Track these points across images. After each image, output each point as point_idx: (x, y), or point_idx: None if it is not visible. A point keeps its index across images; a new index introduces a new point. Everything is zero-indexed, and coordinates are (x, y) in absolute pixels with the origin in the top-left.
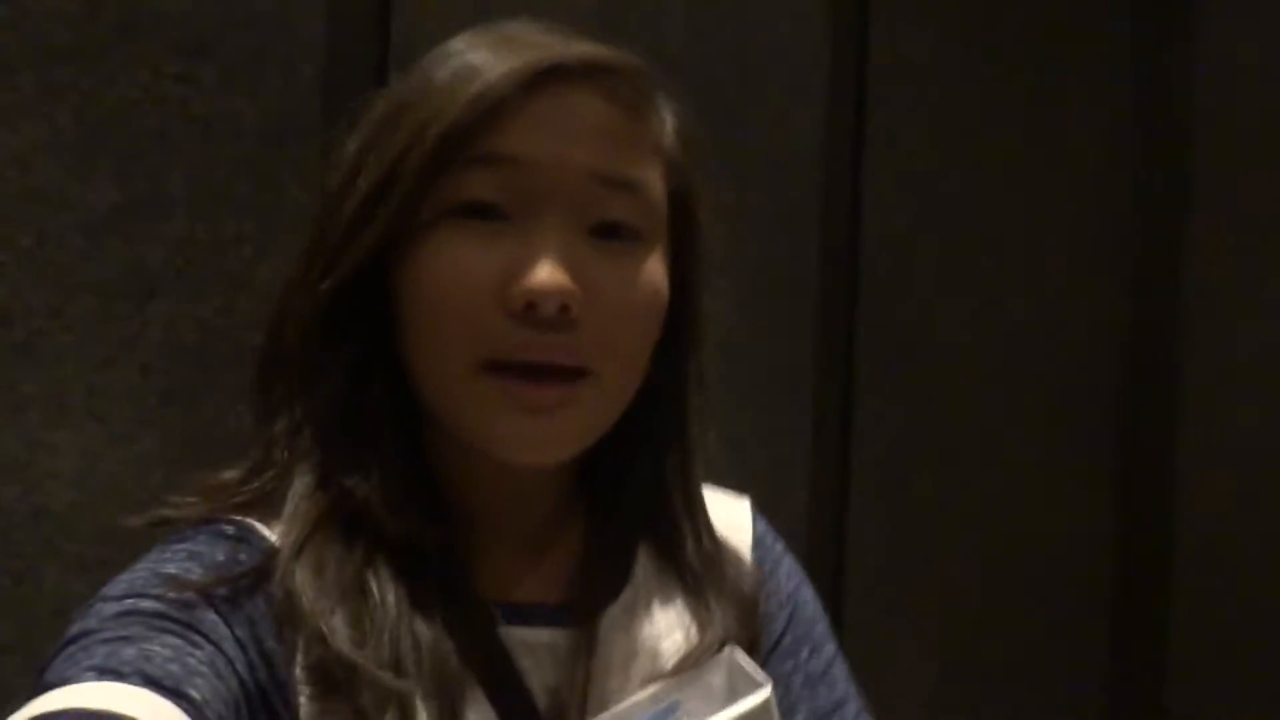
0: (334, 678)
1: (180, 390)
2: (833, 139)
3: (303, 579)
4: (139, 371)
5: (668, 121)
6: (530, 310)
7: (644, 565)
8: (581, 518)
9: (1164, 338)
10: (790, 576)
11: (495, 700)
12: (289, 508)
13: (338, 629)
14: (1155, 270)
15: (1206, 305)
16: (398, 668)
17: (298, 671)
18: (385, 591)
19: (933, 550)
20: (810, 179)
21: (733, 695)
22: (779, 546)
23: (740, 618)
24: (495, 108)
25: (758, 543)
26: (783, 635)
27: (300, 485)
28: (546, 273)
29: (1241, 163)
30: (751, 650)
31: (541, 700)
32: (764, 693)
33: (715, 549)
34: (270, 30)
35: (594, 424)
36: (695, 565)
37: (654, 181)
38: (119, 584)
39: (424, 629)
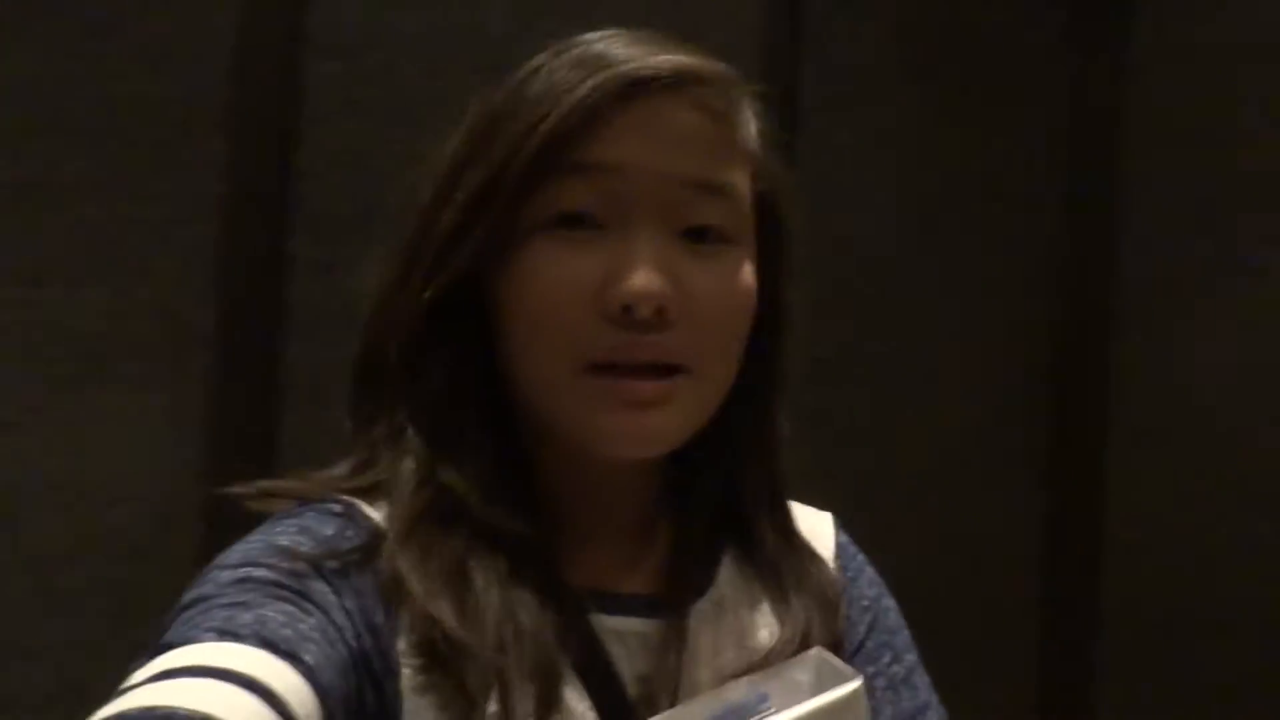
0: (440, 655)
1: (71, 378)
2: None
3: (410, 563)
4: (26, 358)
5: (752, 125)
6: (627, 314)
7: (729, 563)
8: (670, 515)
9: (1097, 328)
10: (872, 585)
11: (589, 685)
12: (396, 497)
13: (444, 611)
14: (1087, 265)
15: (1140, 300)
16: (500, 650)
17: (401, 644)
18: (487, 579)
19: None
20: None
21: (820, 689)
22: (861, 557)
23: (823, 618)
24: (590, 118)
25: (840, 551)
26: (865, 640)
27: (405, 479)
28: (642, 277)
29: (1168, 164)
30: (834, 653)
31: (632, 688)
32: (855, 683)
33: (799, 550)
34: (182, 13)
35: (689, 420)
36: (779, 564)
37: (742, 185)
38: (234, 553)
39: (523, 615)
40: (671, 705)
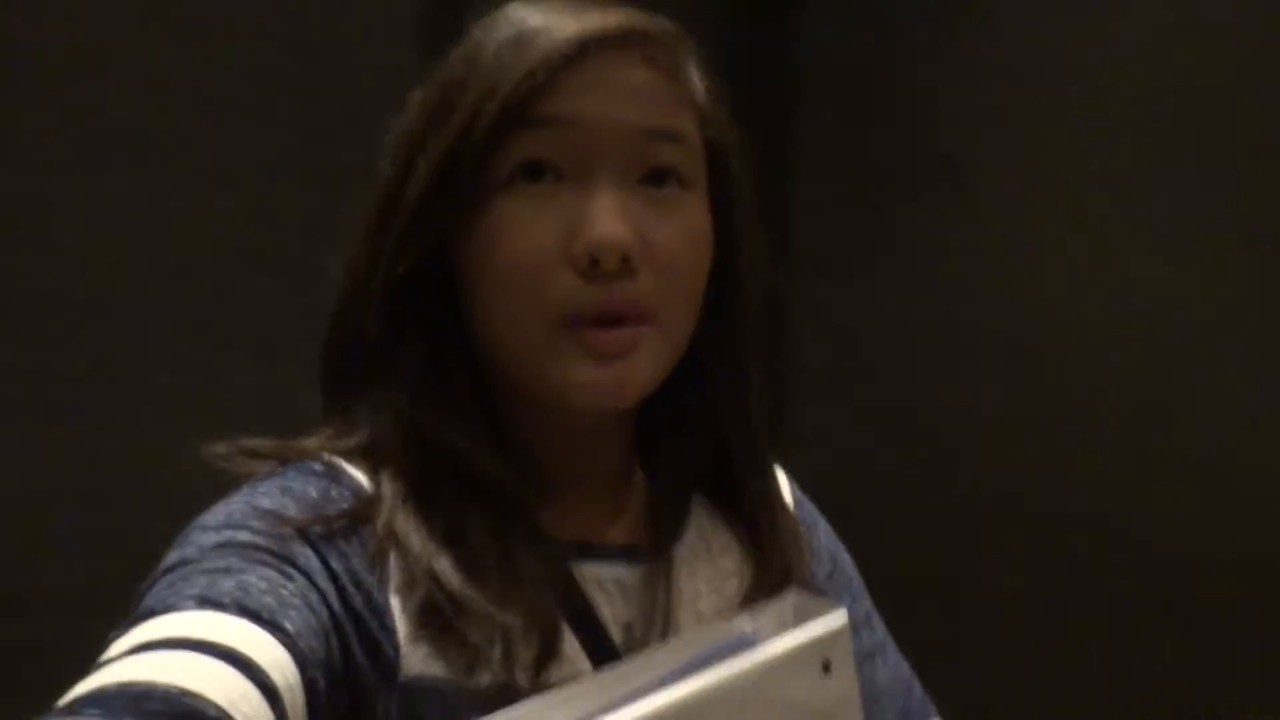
0: (443, 612)
1: None
2: None
3: (410, 523)
4: None
5: (698, 79)
6: (594, 265)
7: (702, 511)
8: (643, 466)
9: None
10: (829, 534)
11: (578, 632)
12: (386, 465)
13: (446, 569)
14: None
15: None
16: (502, 603)
17: (394, 601)
18: (482, 535)
19: None
20: None
21: (802, 624)
22: (815, 509)
23: (796, 562)
24: (547, 76)
25: (798, 504)
26: (826, 586)
27: (393, 442)
28: (607, 225)
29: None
30: None
31: (616, 633)
32: (842, 611)
33: (775, 497)
34: None
35: (656, 369)
36: (756, 510)
37: (693, 134)
38: (215, 514)
39: (522, 568)
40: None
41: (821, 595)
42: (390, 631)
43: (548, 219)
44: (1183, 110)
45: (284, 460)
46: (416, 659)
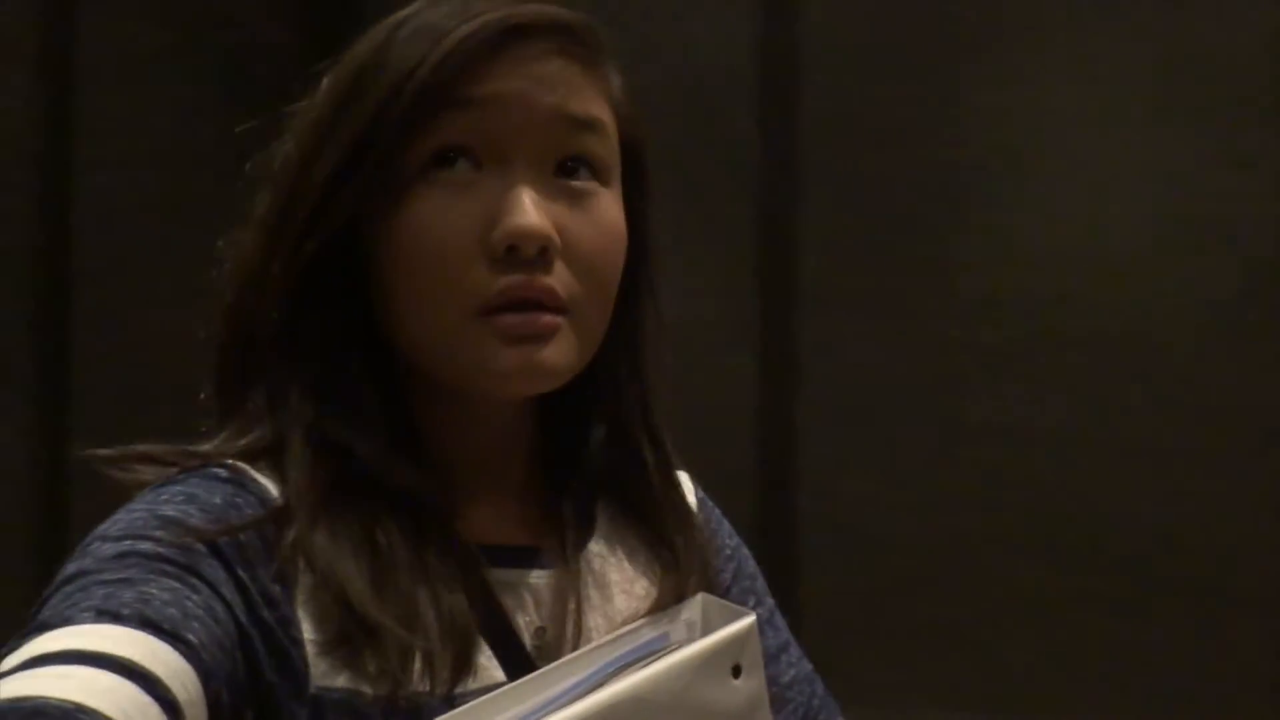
0: (356, 630)
1: None
2: None
3: (319, 536)
4: None
5: (615, 76)
6: (512, 253)
7: (606, 513)
8: (548, 468)
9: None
10: (731, 535)
11: (491, 640)
12: (292, 465)
13: (361, 590)
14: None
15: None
16: (417, 622)
17: (302, 614)
18: (394, 546)
19: None
20: None
21: (710, 629)
22: (717, 511)
23: (700, 564)
24: (469, 59)
25: (701, 505)
26: (731, 586)
27: (299, 446)
28: (526, 215)
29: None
30: None
31: (528, 639)
32: (751, 617)
33: (679, 499)
34: None
35: (574, 358)
36: (663, 513)
37: (610, 126)
38: (116, 524)
39: (435, 580)
40: (567, 653)
41: (727, 599)
42: (298, 643)
43: (466, 208)
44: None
45: (183, 466)
46: (327, 671)
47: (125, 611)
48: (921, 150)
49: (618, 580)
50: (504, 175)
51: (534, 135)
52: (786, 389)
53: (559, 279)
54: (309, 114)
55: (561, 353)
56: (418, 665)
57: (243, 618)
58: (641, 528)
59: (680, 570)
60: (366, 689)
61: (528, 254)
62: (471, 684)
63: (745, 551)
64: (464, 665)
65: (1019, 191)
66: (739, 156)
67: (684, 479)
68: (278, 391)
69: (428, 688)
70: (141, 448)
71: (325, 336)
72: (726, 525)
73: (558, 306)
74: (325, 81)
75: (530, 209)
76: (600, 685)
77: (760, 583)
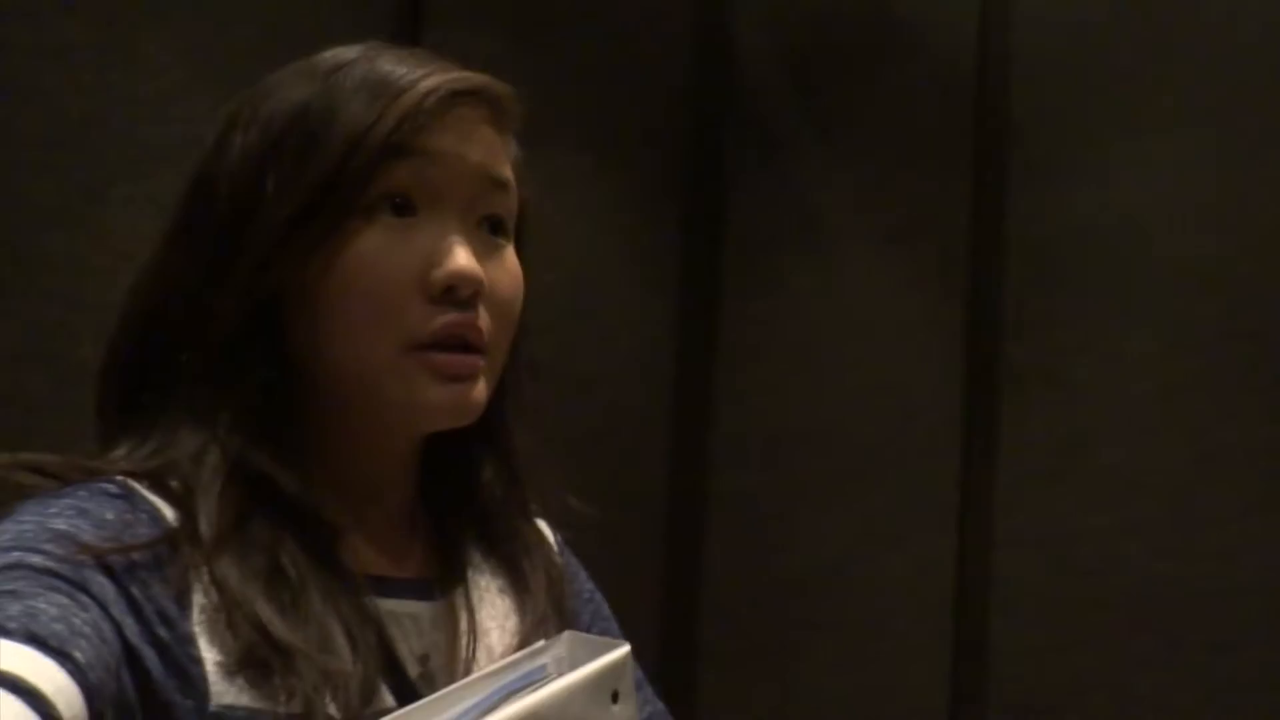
0: (263, 657)
1: None
2: None
3: (229, 566)
4: None
5: (514, 140)
6: (448, 294)
7: (478, 550)
8: (427, 504)
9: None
10: (588, 581)
11: (383, 670)
12: (204, 496)
13: (272, 616)
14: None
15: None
16: (330, 646)
17: (198, 628)
18: (300, 573)
19: None
20: None
21: (577, 663)
22: (574, 557)
23: (556, 606)
24: (428, 115)
25: (560, 549)
26: (590, 627)
27: (212, 472)
28: (464, 259)
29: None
30: None
31: (412, 667)
32: (625, 647)
33: (540, 542)
34: None
35: (485, 398)
36: (526, 554)
37: (513, 183)
38: (4, 535)
39: (341, 609)
40: (449, 682)
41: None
42: (198, 661)
43: (405, 249)
44: None
45: (68, 479)
46: (229, 690)
47: (11, 625)
48: None
49: (491, 614)
50: (440, 222)
51: (465, 188)
52: None
53: (482, 321)
54: (242, 146)
55: (481, 391)
56: (324, 693)
57: (133, 637)
58: (509, 566)
59: (539, 608)
60: (275, 709)
61: (463, 295)
62: (367, 710)
63: (600, 596)
64: (371, 690)
65: None
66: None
67: (544, 526)
68: (188, 415)
69: (337, 711)
70: (26, 456)
71: (248, 367)
72: (583, 571)
73: (480, 347)
74: (248, 116)
75: (468, 255)
76: (494, 708)
77: (615, 626)
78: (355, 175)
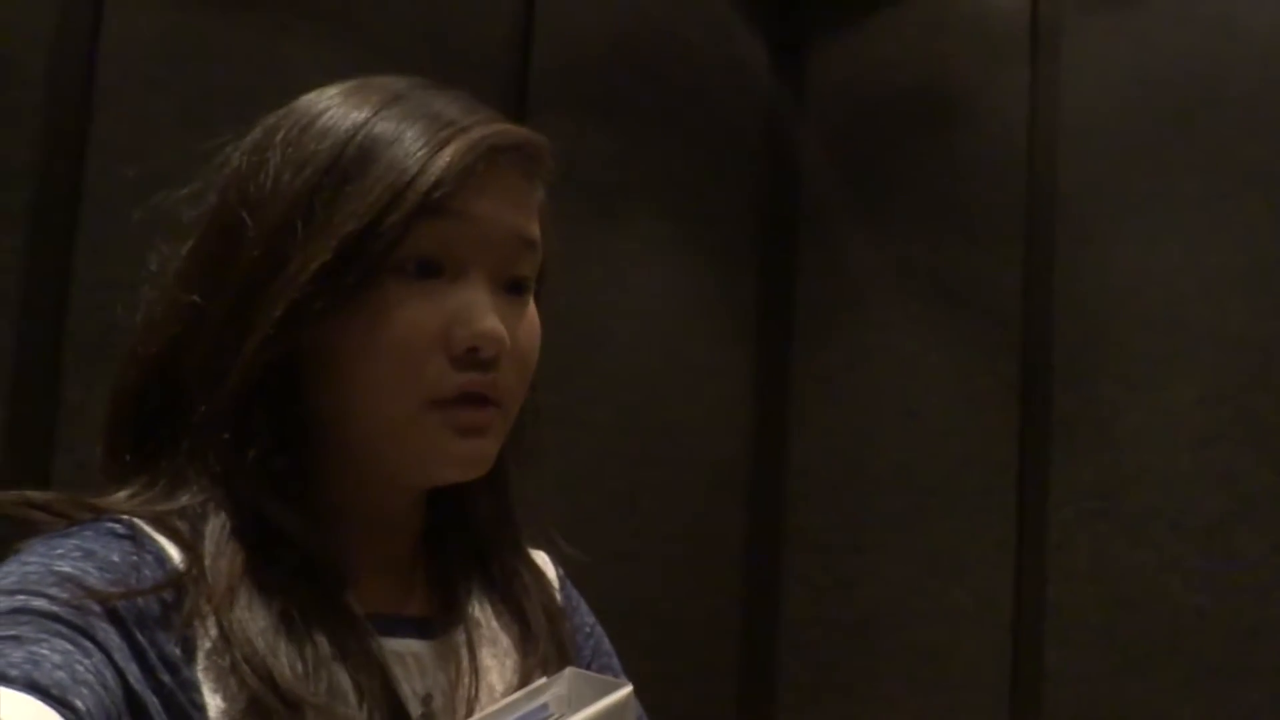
0: (275, 711)
1: None
2: None
3: (236, 617)
4: None
5: (542, 186)
6: (471, 353)
7: (478, 590)
8: (428, 544)
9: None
10: (588, 614)
11: (387, 714)
12: (211, 544)
13: (281, 668)
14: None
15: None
16: (342, 700)
17: (202, 675)
18: (309, 622)
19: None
20: None
21: (584, 702)
22: (575, 591)
23: (557, 644)
24: (463, 174)
25: (561, 583)
26: (590, 663)
27: (221, 520)
28: (491, 321)
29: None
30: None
31: (414, 707)
32: (628, 687)
33: (539, 580)
34: None
35: (499, 447)
36: (525, 593)
37: (539, 239)
38: (8, 576)
39: (350, 654)
40: None
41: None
42: (200, 708)
43: (430, 308)
44: None
45: (74, 519)
46: None
47: (13, 673)
48: None
49: (492, 652)
50: (466, 281)
51: (497, 251)
52: None
53: (502, 378)
54: (270, 184)
55: (495, 443)
56: None
57: (136, 684)
58: (508, 603)
59: (540, 645)
60: None
61: (487, 355)
62: None
63: (601, 630)
64: None
65: None
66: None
67: (545, 560)
68: (204, 464)
69: None
70: (32, 494)
71: (266, 418)
72: (584, 604)
73: (497, 401)
74: (280, 147)
75: (494, 316)
76: None
77: (615, 661)
78: (388, 234)
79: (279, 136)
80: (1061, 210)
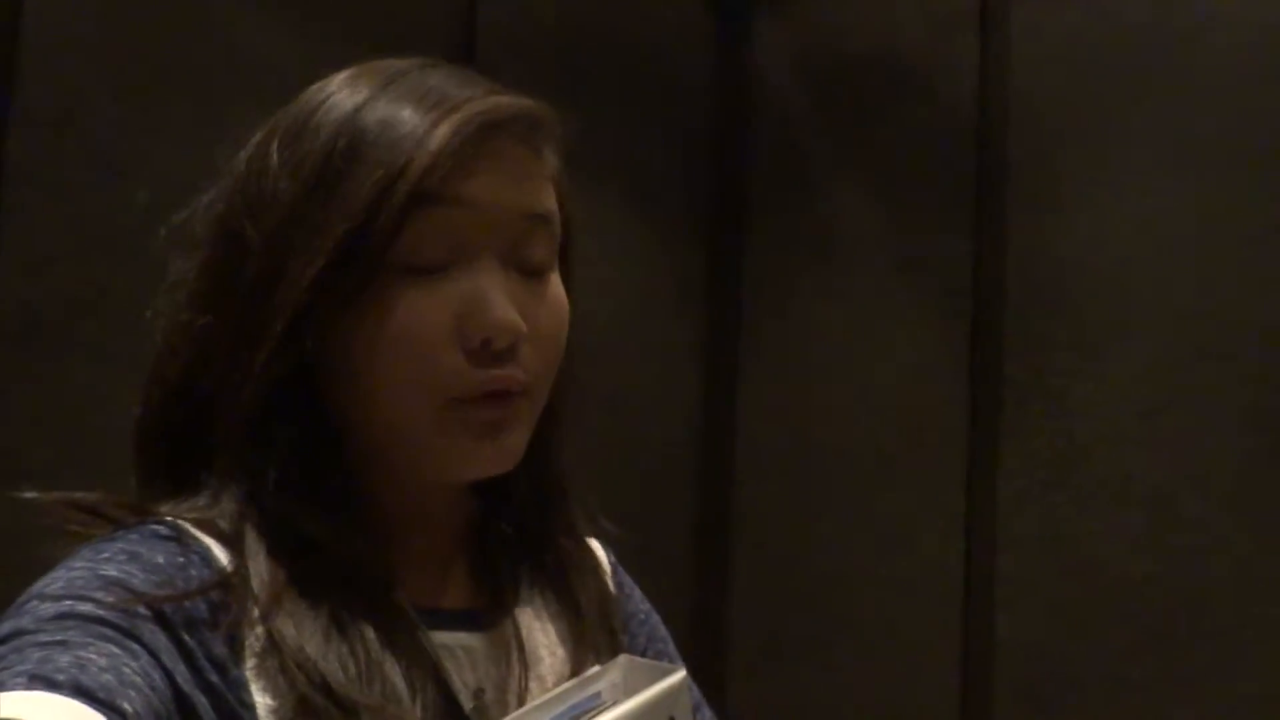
0: (327, 712)
1: None
2: None
3: (285, 623)
4: None
5: (554, 152)
6: (485, 346)
7: (528, 578)
8: (476, 534)
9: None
10: (643, 600)
11: (440, 708)
12: (253, 559)
13: (335, 671)
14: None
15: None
16: (397, 702)
17: (250, 673)
18: (358, 621)
19: None
20: None
21: (637, 689)
22: (628, 577)
23: (609, 632)
24: (455, 161)
25: (614, 570)
26: (645, 649)
27: (258, 530)
28: (501, 311)
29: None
30: None
31: (466, 700)
32: (681, 672)
33: (591, 566)
34: None
35: (528, 436)
36: (575, 580)
37: (556, 211)
38: (55, 582)
39: (400, 650)
40: (504, 714)
41: (650, 658)
42: (249, 707)
43: (438, 303)
44: None
45: (121, 523)
46: None
47: (60, 678)
48: None
49: (543, 642)
50: (475, 269)
51: (503, 233)
52: None
53: (523, 364)
54: (265, 190)
55: (521, 434)
56: None
57: (184, 685)
58: (558, 591)
59: (592, 634)
60: None
61: (501, 346)
62: None
63: (656, 617)
64: None
65: None
66: None
67: (596, 546)
68: (235, 478)
69: None
70: (80, 496)
71: (290, 426)
72: (638, 591)
73: (521, 392)
74: (277, 154)
75: (506, 305)
76: None
77: (671, 646)
78: (382, 230)
79: (277, 137)
80: (1013, 180)
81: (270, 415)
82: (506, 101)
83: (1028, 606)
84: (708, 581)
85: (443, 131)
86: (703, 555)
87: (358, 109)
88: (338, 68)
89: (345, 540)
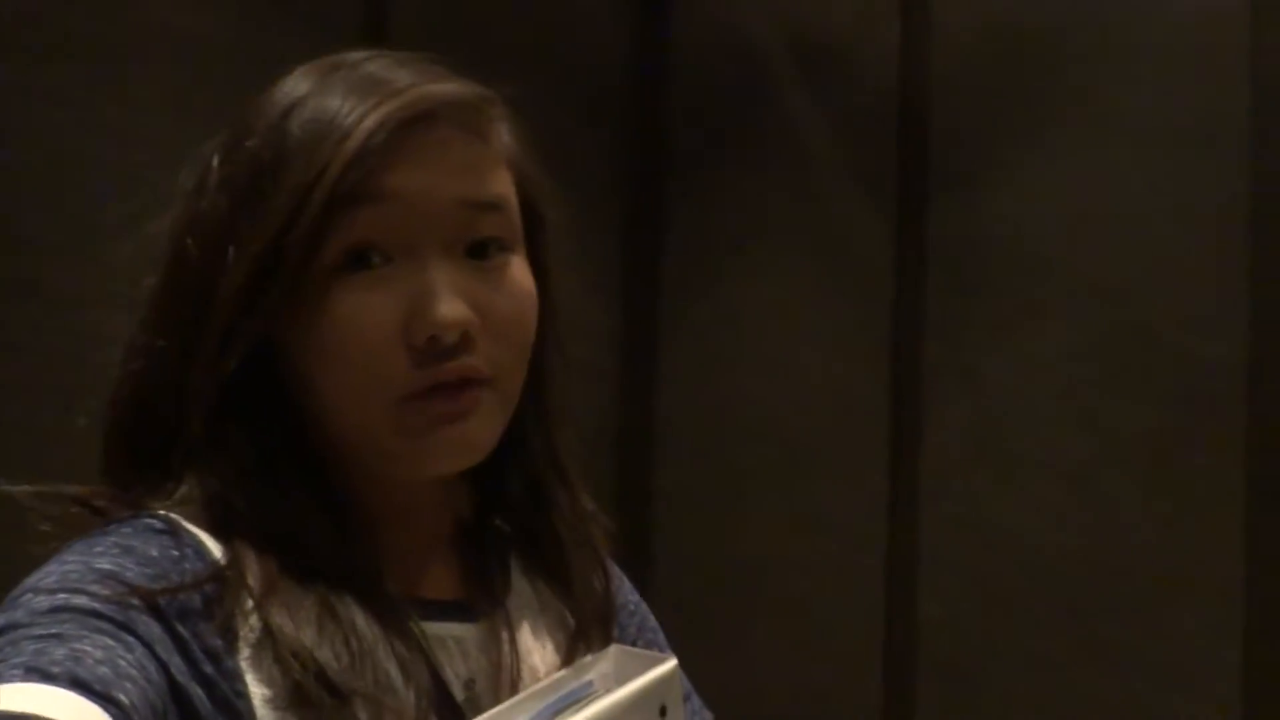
0: (322, 702)
1: None
2: None
3: (279, 615)
4: None
5: (508, 137)
6: (433, 342)
7: (521, 563)
8: (466, 523)
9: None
10: (632, 592)
11: (432, 698)
12: (242, 553)
13: (330, 659)
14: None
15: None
16: (390, 691)
17: (245, 663)
18: (350, 612)
19: None
20: None
21: (627, 678)
22: (617, 568)
23: (602, 622)
24: (379, 154)
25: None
26: (636, 640)
27: (239, 529)
28: (445, 305)
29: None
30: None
31: (458, 690)
32: (672, 660)
33: (590, 553)
34: None
35: (497, 426)
36: (570, 568)
37: (510, 195)
38: (49, 576)
39: (393, 640)
40: (494, 705)
41: (641, 648)
42: (244, 696)
43: (382, 301)
44: None
45: (113, 515)
46: None
47: (55, 670)
48: None
49: (536, 631)
50: (417, 265)
51: (442, 225)
52: None
53: (482, 354)
54: (203, 208)
55: (485, 425)
56: None
57: (180, 676)
58: (550, 580)
59: (584, 625)
60: None
61: (449, 342)
62: None
63: (645, 607)
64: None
65: None
66: None
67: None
68: (208, 477)
69: None
70: (70, 489)
71: (245, 432)
72: (627, 583)
73: (480, 380)
74: (217, 168)
75: (448, 298)
76: None
77: (661, 637)
78: (307, 232)
79: (219, 151)
80: (933, 162)
81: (235, 416)
82: (440, 89)
83: (949, 584)
84: (628, 564)
85: (366, 126)
86: (622, 537)
87: (286, 114)
88: (244, 39)
89: (324, 534)
